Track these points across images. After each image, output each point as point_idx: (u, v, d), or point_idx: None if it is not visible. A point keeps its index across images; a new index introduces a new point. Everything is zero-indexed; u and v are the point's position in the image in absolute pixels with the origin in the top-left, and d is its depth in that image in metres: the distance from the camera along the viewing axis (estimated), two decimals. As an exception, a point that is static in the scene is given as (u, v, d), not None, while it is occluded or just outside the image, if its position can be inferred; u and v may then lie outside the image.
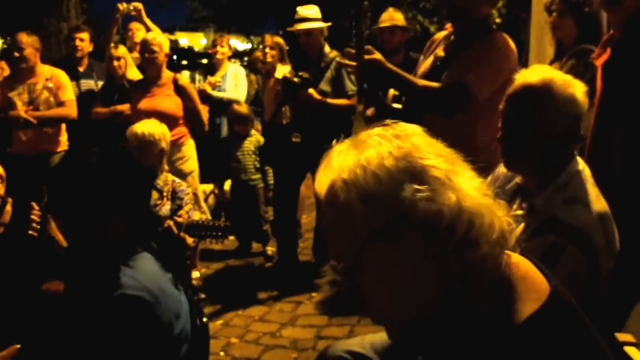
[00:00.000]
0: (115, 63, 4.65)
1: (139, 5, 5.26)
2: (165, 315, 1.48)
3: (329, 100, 4.12)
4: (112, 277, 1.48)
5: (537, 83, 1.64)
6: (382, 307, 0.95)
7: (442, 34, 2.89)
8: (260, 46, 5.19)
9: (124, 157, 1.71)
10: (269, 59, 4.89)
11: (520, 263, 0.96)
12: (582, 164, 1.73)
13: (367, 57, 2.55)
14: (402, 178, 0.89)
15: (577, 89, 1.66)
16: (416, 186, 0.88)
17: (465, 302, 0.91)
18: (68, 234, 1.84)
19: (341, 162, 0.94)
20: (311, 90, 4.03)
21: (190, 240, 2.63)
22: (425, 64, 2.78)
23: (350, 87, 4.21)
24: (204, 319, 1.86)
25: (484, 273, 0.90)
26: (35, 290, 1.75)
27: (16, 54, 4.31)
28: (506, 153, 1.74)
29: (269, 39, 5.16)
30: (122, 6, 5.24)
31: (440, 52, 2.73)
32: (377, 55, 2.57)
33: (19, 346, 1.59)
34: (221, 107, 5.15)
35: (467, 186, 0.91)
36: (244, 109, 4.89)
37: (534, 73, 1.68)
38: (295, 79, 4.02)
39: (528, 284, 0.93)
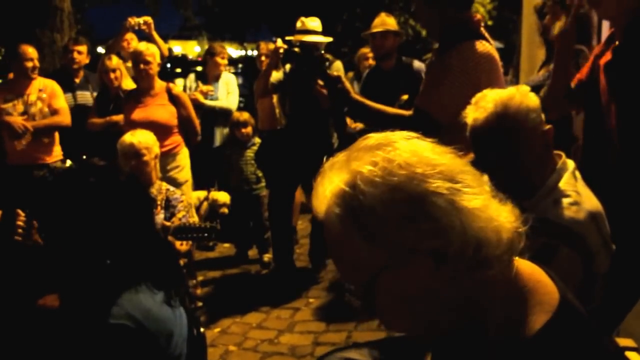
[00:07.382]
0: (112, 75, 4.64)
1: (149, 19, 5.17)
2: (153, 340, 1.42)
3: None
4: (95, 305, 1.40)
5: (482, 122, 1.67)
6: (399, 322, 0.97)
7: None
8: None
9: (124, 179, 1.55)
10: (265, 67, 4.90)
11: (532, 273, 0.95)
12: (572, 165, 1.73)
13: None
14: (403, 212, 0.86)
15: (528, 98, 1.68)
16: (420, 225, 0.86)
17: (479, 314, 0.91)
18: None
19: (332, 187, 0.91)
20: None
21: (178, 243, 2.60)
22: None
23: None
24: (201, 329, 1.84)
25: (496, 288, 0.91)
26: (31, 306, 1.69)
27: (29, 65, 4.34)
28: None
29: (264, 47, 5.17)
30: (133, 20, 5.14)
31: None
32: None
33: None
34: (213, 116, 5.06)
35: (472, 204, 0.88)
36: (245, 115, 4.87)
37: (478, 110, 1.70)
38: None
39: (540, 294, 0.92)
